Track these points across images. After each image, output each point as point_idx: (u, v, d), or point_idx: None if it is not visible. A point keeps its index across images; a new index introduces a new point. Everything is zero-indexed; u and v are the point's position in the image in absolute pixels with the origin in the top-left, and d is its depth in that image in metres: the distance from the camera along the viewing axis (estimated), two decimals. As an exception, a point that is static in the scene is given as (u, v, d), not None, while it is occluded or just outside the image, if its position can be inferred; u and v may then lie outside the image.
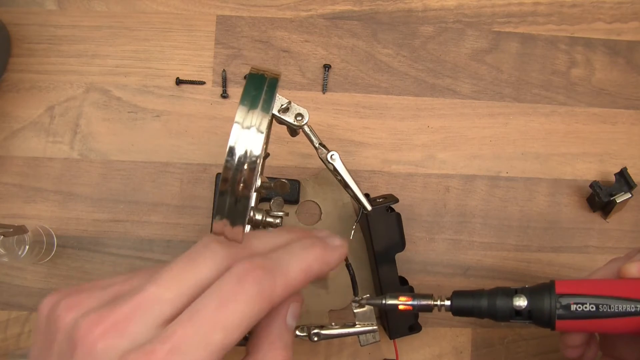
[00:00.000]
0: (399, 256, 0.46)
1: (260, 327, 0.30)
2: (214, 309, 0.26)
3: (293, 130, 0.41)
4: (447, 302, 0.39)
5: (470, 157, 0.54)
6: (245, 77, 0.54)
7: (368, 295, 0.41)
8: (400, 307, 0.39)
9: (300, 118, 0.39)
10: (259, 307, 0.27)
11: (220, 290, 0.27)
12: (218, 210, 0.37)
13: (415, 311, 0.40)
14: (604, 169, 0.54)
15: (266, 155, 0.42)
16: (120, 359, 0.26)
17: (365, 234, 0.49)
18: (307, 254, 0.30)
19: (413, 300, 0.39)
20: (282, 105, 0.38)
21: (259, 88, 0.37)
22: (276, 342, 0.30)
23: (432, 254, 0.53)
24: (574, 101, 0.55)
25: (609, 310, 0.35)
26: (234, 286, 0.27)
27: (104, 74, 0.54)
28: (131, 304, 0.27)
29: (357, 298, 0.41)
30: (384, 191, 0.53)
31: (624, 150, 0.55)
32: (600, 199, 0.51)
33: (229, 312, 0.26)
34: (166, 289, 0.27)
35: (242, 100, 0.36)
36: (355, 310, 0.41)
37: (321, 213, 0.53)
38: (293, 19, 0.55)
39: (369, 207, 0.44)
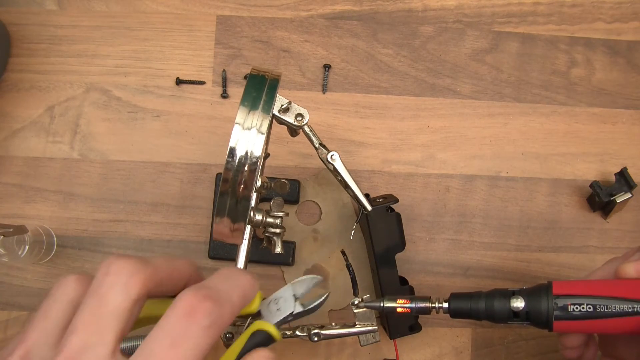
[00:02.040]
0: (399, 256, 0.47)
1: None
2: (168, 349, 0.26)
3: (293, 131, 0.41)
4: (445, 305, 0.39)
5: (470, 157, 0.54)
6: (245, 77, 0.54)
7: (367, 296, 0.41)
8: (398, 309, 0.39)
9: (300, 118, 0.39)
10: (212, 339, 0.28)
11: (172, 329, 0.27)
12: (218, 211, 0.37)
13: (413, 314, 0.40)
14: (604, 169, 0.54)
15: (266, 156, 0.42)
16: None
17: (365, 234, 0.49)
18: (243, 280, 0.31)
19: (411, 302, 0.39)
20: (282, 105, 0.38)
21: (260, 89, 0.37)
22: None
23: (432, 254, 0.53)
24: (574, 101, 0.55)
25: (606, 310, 0.35)
26: (185, 322, 0.27)
27: (104, 74, 0.54)
28: None
29: (355, 301, 0.41)
30: (384, 191, 0.53)
31: (624, 150, 0.55)
32: (600, 199, 0.51)
33: (183, 350, 0.26)
34: (90, 334, 0.27)
35: (243, 101, 0.36)
36: (355, 311, 0.42)
37: (321, 213, 0.53)
38: (293, 19, 0.55)
39: (369, 207, 0.44)
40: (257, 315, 0.33)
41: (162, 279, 0.30)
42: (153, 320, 0.29)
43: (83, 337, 0.27)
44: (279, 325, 0.33)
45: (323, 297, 0.34)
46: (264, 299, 0.34)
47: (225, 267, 0.32)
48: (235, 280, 0.31)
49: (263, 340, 0.32)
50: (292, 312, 0.33)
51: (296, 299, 0.34)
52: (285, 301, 0.34)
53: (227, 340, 0.38)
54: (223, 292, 0.29)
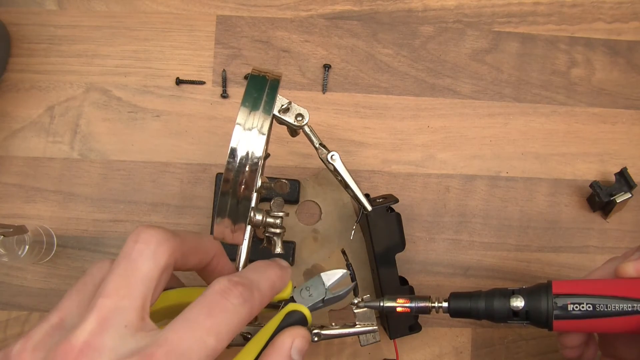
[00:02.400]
0: (399, 256, 0.47)
1: None
2: (206, 317, 0.28)
3: (293, 131, 0.41)
4: (445, 304, 0.39)
5: (470, 157, 0.54)
6: (245, 78, 0.54)
7: (367, 296, 0.41)
8: (398, 309, 0.40)
9: (300, 118, 0.39)
10: (243, 318, 0.30)
11: (208, 302, 0.29)
12: (219, 211, 0.37)
13: (413, 313, 0.40)
14: (604, 169, 0.54)
15: (267, 156, 0.42)
16: None
17: (365, 234, 0.49)
18: (271, 272, 0.34)
19: (411, 302, 0.39)
20: (282, 105, 0.38)
21: (261, 90, 0.37)
22: None
23: (432, 254, 0.53)
24: (574, 101, 0.55)
25: (606, 309, 0.35)
26: (220, 299, 0.30)
27: (104, 74, 0.54)
28: (92, 322, 0.27)
29: (355, 301, 0.41)
30: (384, 191, 0.53)
31: (624, 150, 0.55)
32: (600, 199, 0.51)
33: (218, 320, 0.29)
34: (121, 298, 0.28)
35: (244, 102, 0.36)
36: (355, 311, 0.42)
37: (321, 213, 0.53)
38: (293, 19, 0.55)
39: (369, 207, 0.44)
40: (290, 301, 0.37)
41: (189, 250, 0.32)
42: (184, 307, 0.30)
43: (114, 300, 0.28)
44: (310, 309, 0.37)
45: (350, 286, 0.39)
46: (295, 287, 0.37)
47: (258, 260, 0.35)
48: (264, 273, 0.34)
49: (297, 320, 0.36)
50: (323, 298, 0.37)
51: (326, 287, 0.37)
52: (317, 288, 0.37)
53: (245, 340, 0.39)
54: (254, 281, 0.32)
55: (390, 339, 0.48)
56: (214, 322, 0.28)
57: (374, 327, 0.42)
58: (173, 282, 0.38)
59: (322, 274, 0.38)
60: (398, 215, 0.46)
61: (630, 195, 0.50)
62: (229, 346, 0.31)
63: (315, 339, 0.41)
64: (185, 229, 0.52)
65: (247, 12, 0.55)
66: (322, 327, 0.41)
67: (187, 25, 0.54)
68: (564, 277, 0.53)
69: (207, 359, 0.28)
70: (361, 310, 0.41)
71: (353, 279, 0.40)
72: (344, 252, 0.43)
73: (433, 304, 0.39)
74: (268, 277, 0.34)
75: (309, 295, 0.37)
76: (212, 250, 0.35)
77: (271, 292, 0.33)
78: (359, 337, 0.43)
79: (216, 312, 0.29)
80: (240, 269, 0.39)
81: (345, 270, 0.38)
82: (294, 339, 0.33)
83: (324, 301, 0.38)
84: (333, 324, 0.42)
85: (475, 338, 0.52)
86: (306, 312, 0.36)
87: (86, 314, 0.27)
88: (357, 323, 0.42)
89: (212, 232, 0.50)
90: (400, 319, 0.47)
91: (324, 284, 0.37)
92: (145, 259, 0.29)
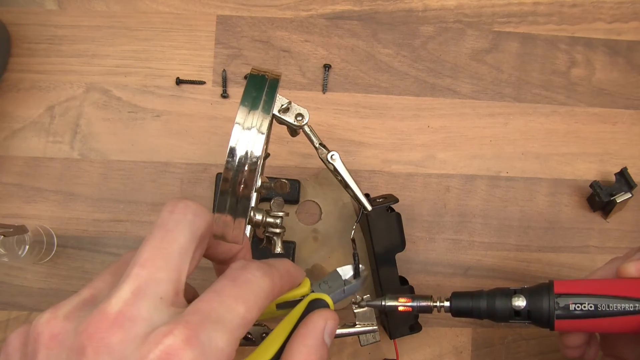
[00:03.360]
0: (399, 256, 0.47)
1: (297, 341, 0.32)
2: (233, 287, 0.28)
3: (293, 131, 0.41)
4: (447, 303, 0.39)
5: (471, 157, 0.54)
6: (245, 77, 0.54)
7: (368, 295, 0.41)
8: (400, 308, 0.39)
9: (300, 118, 0.39)
10: (267, 290, 0.30)
11: (232, 276, 0.29)
12: (219, 211, 0.37)
13: (415, 312, 0.40)
14: (604, 169, 0.54)
15: (266, 156, 0.42)
16: (146, 341, 0.25)
17: (365, 234, 0.49)
18: (286, 261, 0.34)
19: (412, 301, 0.39)
20: (282, 105, 0.38)
21: (260, 89, 0.37)
22: (312, 355, 0.31)
23: (432, 254, 0.53)
24: (574, 101, 0.55)
25: (607, 309, 0.35)
26: (242, 271, 0.29)
27: (104, 74, 0.54)
28: (126, 291, 0.26)
29: (356, 300, 0.41)
30: (384, 191, 0.53)
31: (624, 150, 0.55)
32: (600, 198, 0.51)
33: (245, 289, 0.28)
34: (157, 269, 0.27)
35: (243, 101, 0.36)
36: (355, 310, 0.41)
37: (321, 213, 0.53)
38: (293, 19, 0.55)
39: (369, 207, 0.44)
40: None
41: (218, 232, 0.32)
42: None
43: (150, 270, 0.27)
44: (334, 299, 0.37)
45: (365, 275, 0.40)
46: (312, 283, 0.38)
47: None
48: (279, 261, 0.34)
49: (322, 306, 0.36)
50: (344, 289, 0.38)
51: (344, 279, 0.39)
52: (335, 280, 0.38)
53: (246, 340, 0.38)
54: (270, 262, 0.32)
55: (391, 339, 0.48)
56: (241, 291, 0.28)
57: (374, 327, 0.42)
58: (189, 294, 0.35)
59: (337, 269, 0.39)
60: (398, 215, 0.46)
61: (630, 195, 0.50)
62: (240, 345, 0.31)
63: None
64: None
65: (247, 12, 0.55)
66: (322, 327, 0.41)
67: (187, 25, 0.54)
68: (564, 277, 0.53)
69: (240, 327, 0.27)
70: (361, 310, 0.41)
71: (356, 267, 0.40)
72: (353, 241, 0.43)
73: (435, 303, 0.39)
74: (283, 263, 0.34)
75: (329, 287, 0.38)
76: (239, 245, 0.34)
77: (288, 276, 0.33)
78: (359, 337, 0.43)
79: (240, 283, 0.29)
80: None
81: (358, 265, 0.39)
82: (326, 321, 0.33)
83: (344, 292, 0.38)
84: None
85: (476, 338, 0.52)
86: (329, 300, 0.36)
87: (121, 284, 0.26)
88: (357, 323, 0.42)
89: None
90: (400, 319, 0.47)
91: (341, 276, 0.39)
92: (182, 229, 0.28)
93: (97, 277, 0.30)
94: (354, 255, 0.41)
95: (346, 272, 0.39)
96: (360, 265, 0.39)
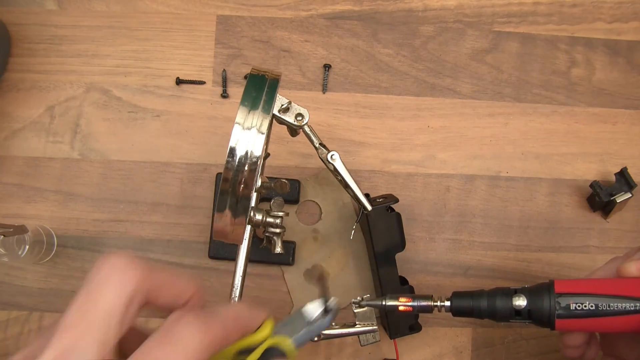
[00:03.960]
0: (399, 256, 0.47)
1: None
2: (159, 347, 0.26)
3: (293, 130, 0.41)
4: (447, 303, 0.39)
5: (471, 157, 0.54)
6: (245, 77, 0.54)
7: (368, 295, 0.41)
8: (400, 308, 0.39)
9: (300, 118, 0.39)
10: (205, 348, 0.27)
11: (164, 330, 0.27)
12: (219, 210, 0.37)
13: (415, 312, 0.40)
14: (604, 169, 0.54)
15: (266, 156, 0.42)
16: None
17: (365, 234, 0.49)
18: (237, 306, 0.31)
19: (413, 301, 0.39)
20: (282, 105, 0.38)
21: (260, 89, 0.37)
22: None
23: (432, 254, 0.53)
24: (574, 101, 0.55)
25: (608, 309, 0.35)
26: (175, 325, 0.27)
27: (104, 74, 0.54)
28: None
29: (357, 299, 0.41)
30: (384, 191, 0.53)
31: (624, 150, 0.55)
32: (600, 198, 0.51)
33: (175, 349, 0.26)
34: (80, 335, 0.25)
35: (243, 101, 0.36)
36: (355, 310, 0.42)
37: (321, 213, 0.53)
38: (293, 19, 0.55)
39: (369, 207, 0.44)
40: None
41: (161, 283, 0.29)
42: None
43: (71, 337, 0.25)
44: (296, 343, 0.32)
45: (336, 310, 0.34)
46: (275, 324, 0.33)
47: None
48: (229, 306, 0.31)
49: (278, 355, 0.31)
50: (309, 329, 0.33)
51: (309, 320, 0.33)
52: (299, 321, 0.33)
53: None
54: (213, 309, 0.29)
55: (391, 339, 0.48)
56: (168, 352, 0.26)
57: (374, 327, 0.42)
58: (135, 340, 0.30)
59: (302, 309, 0.33)
60: (398, 215, 0.46)
61: (630, 195, 0.50)
62: None
63: (315, 338, 0.41)
64: (164, 262, 0.51)
65: (247, 12, 0.55)
66: (322, 327, 0.41)
67: (187, 25, 0.54)
68: (564, 277, 0.53)
69: None
70: (361, 310, 0.41)
71: (327, 309, 0.34)
72: (321, 279, 0.40)
73: (435, 303, 0.39)
74: (233, 308, 0.31)
75: (292, 329, 0.33)
76: (189, 291, 0.31)
77: (235, 323, 0.30)
78: (359, 337, 0.43)
79: (169, 341, 0.26)
80: (238, 272, 0.39)
81: (325, 299, 0.34)
82: None
83: (310, 332, 0.33)
84: (333, 324, 0.42)
85: (476, 338, 0.52)
86: (288, 346, 0.32)
87: (42, 353, 0.25)
88: (357, 323, 0.42)
89: (212, 232, 0.50)
90: (400, 319, 0.47)
91: (306, 317, 0.33)
92: (108, 288, 0.26)
93: (30, 341, 0.28)
94: (323, 294, 0.37)
95: (312, 312, 0.33)
96: (332, 300, 0.33)
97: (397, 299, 0.39)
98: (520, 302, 0.37)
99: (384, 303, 0.40)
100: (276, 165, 0.53)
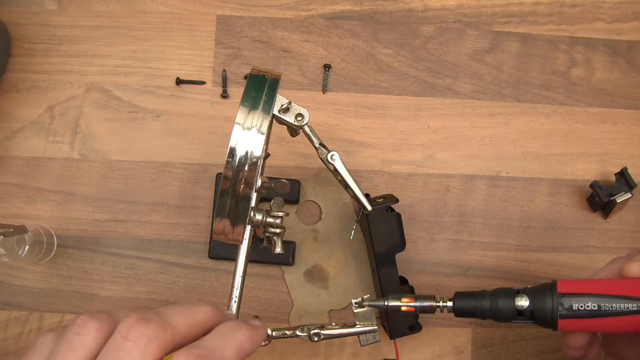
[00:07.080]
0: (399, 256, 0.47)
1: None
2: None
3: (293, 130, 0.41)
4: (449, 303, 0.39)
5: (471, 157, 0.54)
6: (245, 77, 0.54)
7: (368, 295, 0.41)
8: (403, 308, 0.39)
9: (300, 118, 0.39)
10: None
11: None
12: (219, 211, 0.37)
13: (418, 312, 0.40)
14: (604, 169, 0.54)
15: (266, 156, 0.42)
16: None
17: (365, 234, 0.49)
18: (238, 335, 0.31)
19: (415, 301, 0.39)
20: (282, 105, 0.38)
21: (260, 89, 0.37)
22: None
23: (432, 254, 0.53)
24: (574, 101, 0.55)
25: (610, 309, 0.35)
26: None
27: (104, 74, 0.54)
28: None
29: (358, 299, 0.41)
30: (384, 191, 0.53)
31: (624, 150, 0.55)
32: (600, 199, 0.51)
33: None
34: None
35: (243, 101, 0.36)
36: (355, 311, 0.41)
37: (321, 213, 0.53)
38: (293, 19, 0.55)
39: (369, 207, 0.44)
40: None
41: (182, 338, 0.30)
42: None
43: None
44: None
45: None
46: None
47: (224, 323, 0.32)
48: (230, 336, 0.31)
49: None
50: None
51: None
52: None
53: None
54: (216, 348, 0.29)
55: (391, 339, 0.48)
56: None
57: (374, 327, 0.42)
58: None
59: None
60: (398, 215, 0.46)
61: (630, 195, 0.50)
62: None
63: (315, 339, 0.41)
64: (164, 262, 0.51)
65: (247, 12, 0.55)
66: (322, 327, 0.41)
67: (187, 25, 0.54)
68: (564, 277, 0.52)
69: None
70: (361, 310, 0.41)
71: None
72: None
73: (437, 303, 0.39)
74: (234, 340, 0.31)
75: None
76: (209, 324, 0.31)
77: (239, 357, 0.30)
78: (359, 337, 0.43)
79: None
80: (238, 272, 0.39)
81: None
82: None
83: None
84: (333, 323, 0.42)
85: (476, 338, 0.52)
86: None
87: None
88: (357, 323, 0.42)
89: (211, 232, 0.50)
90: (400, 319, 0.47)
91: None
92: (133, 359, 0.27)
93: None
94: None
95: None
96: None
97: (399, 299, 0.39)
98: (523, 302, 0.37)
99: (386, 303, 0.40)
100: (276, 165, 0.53)
